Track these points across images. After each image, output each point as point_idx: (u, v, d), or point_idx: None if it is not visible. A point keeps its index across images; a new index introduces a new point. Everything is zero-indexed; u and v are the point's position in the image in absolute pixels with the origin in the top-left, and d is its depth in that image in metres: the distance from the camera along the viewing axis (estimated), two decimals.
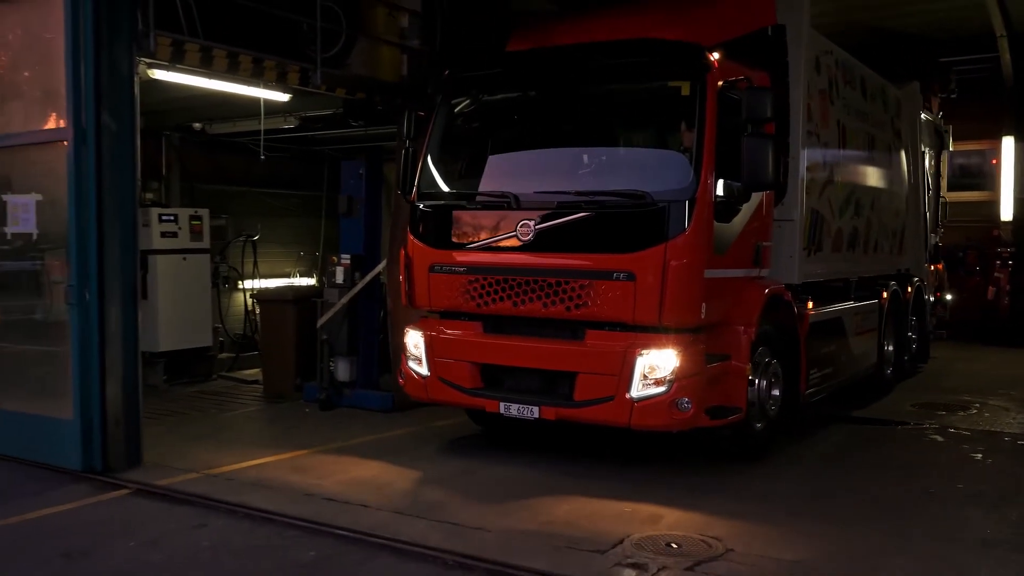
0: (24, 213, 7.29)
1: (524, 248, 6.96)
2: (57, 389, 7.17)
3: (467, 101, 7.89)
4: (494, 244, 7.14)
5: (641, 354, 6.48)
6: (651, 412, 6.47)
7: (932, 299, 13.04)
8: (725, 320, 6.94)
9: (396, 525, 5.56)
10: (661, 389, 6.43)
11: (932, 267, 13.16)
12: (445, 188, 7.63)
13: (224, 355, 11.84)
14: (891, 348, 10.86)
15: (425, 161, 7.68)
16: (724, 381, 6.91)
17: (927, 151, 12.91)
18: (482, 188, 7.50)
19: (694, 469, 7.11)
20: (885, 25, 14.56)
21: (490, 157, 7.84)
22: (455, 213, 7.45)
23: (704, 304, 6.61)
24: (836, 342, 9.00)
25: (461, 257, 7.31)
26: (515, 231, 6.95)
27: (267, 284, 12.70)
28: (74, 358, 6.82)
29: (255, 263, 12.79)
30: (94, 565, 5.03)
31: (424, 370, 7.42)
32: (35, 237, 7.33)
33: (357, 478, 6.75)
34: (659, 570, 4.86)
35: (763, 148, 6.59)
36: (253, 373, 11.15)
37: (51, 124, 7.17)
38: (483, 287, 7.14)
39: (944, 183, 17.69)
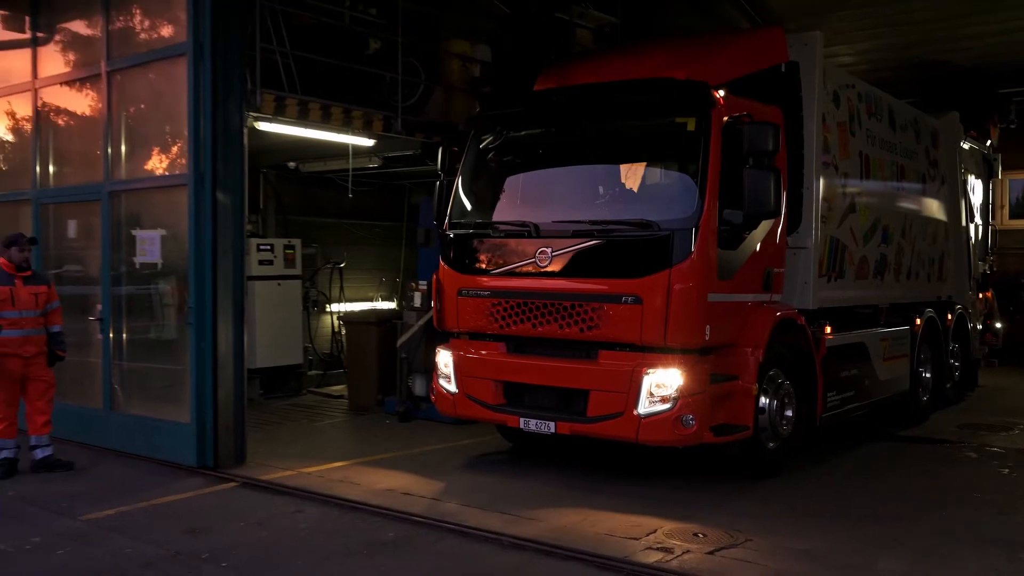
0: (150, 246, 8.49)
1: (542, 273, 7.40)
2: (175, 397, 8.34)
3: (494, 137, 8.24)
4: (516, 270, 7.57)
5: (647, 373, 6.84)
6: (656, 428, 6.83)
7: (980, 327, 13.05)
8: (735, 342, 7.27)
9: (461, 514, 6.48)
10: (666, 406, 6.78)
11: (981, 295, 13.20)
12: (473, 218, 8.07)
13: (313, 372, 12.91)
14: (928, 375, 10.95)
15: (456, 193, 8.15)
16: (731, 400, 7.20)
17: (973, 180, 13.06)
18: (506, 218, 7.91)
19: (722, 480, 7.60)
20: (943, 59, 14.84)
21: (514, 188, 8.26)
22: (481, 241, 7.92)
23: (708, 326, 6.94)
24: (859, 366, 9.15)
25: (486, 282, 7.74)
26: (534, 257, 7.41)
27: (352, 307, 13.58)
28: (191, 370, 7.94)
29: (341, 288, 13.72)
30: (213, 539, 6.07)
31: (453, 387, 7.89)
32: (160, 267, 8.52)
33: (429, 477, 7.67)
34: (683, 553, 5.66)
35: (763, 179, 6.93)
36: (339, 389, 12.20)
37: (173, 170, 8.38)
38: (505, 310, 7.56)
39: (1004, 212, 17.98)
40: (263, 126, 8.94)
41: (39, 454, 8.00)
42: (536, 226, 7.51)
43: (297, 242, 12.27)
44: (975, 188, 13.21)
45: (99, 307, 8.88)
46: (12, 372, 7.82)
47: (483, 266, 7.85)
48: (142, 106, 8.78)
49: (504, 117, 8.35)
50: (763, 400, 7.53)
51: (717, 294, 7.04)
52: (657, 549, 5.73)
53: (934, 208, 11.45)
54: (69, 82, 9.40)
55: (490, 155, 8.28)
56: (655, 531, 6.09)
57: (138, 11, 8.74)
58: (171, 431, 8.18)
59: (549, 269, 7.37)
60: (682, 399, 6.78)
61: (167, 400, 8.55)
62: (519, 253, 7.59)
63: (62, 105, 9.59)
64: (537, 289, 7.44)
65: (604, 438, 7.34)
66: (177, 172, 8.24)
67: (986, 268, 13.70)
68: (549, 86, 8.36)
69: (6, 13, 10.03)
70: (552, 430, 7.30)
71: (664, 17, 12.51)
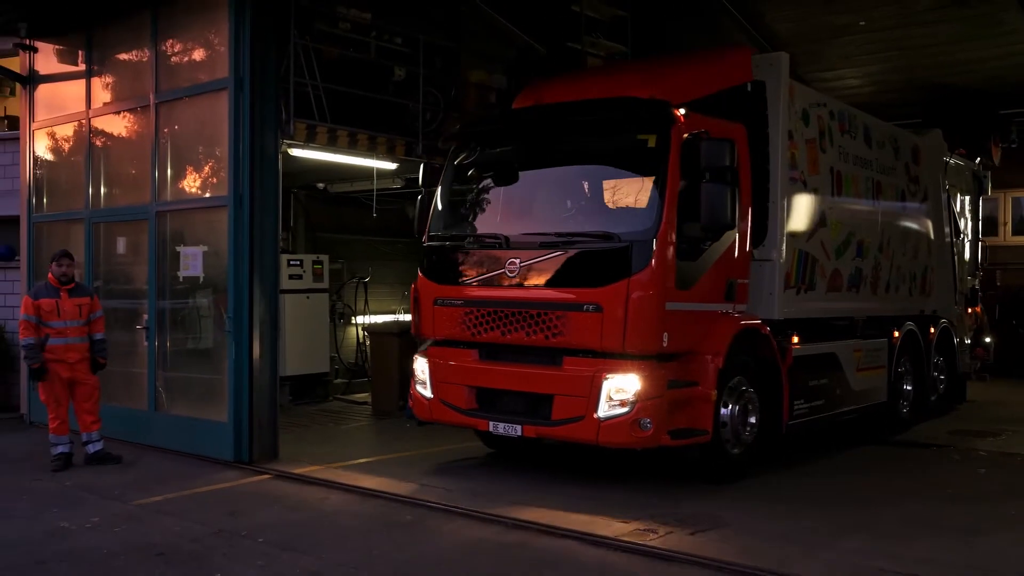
0: (193, 261, 9.32)
1: (511, 283, 7.72)
2: (213, 398, 9.14)
3: (470, 153, 8.59)
4: (487, 280, 7.91)
5: (607, 378, 7.12)
6: (615, 430, 7.12)
7: (969, 341, 13.11)
8: (696, 349, 7.52)
9: (468, 501, 7.22)
10: (624, 410, 7.06)
11: (970, 310, 13.32)
12: (449, 231, 8.39)
13: (339, 380, 13.67)
14: (909, 387, 11.07)
15: (435, 206, 8.52)
16: (691, 405, 7.43)
17: (961, 196, 13.22)
18: (479, 230, 8.27)
19: (703, 480, 7.94)
20: (945, 82, 15.21)
21: (488, 202, 8.55)
22: (456, 253, 8.23)
23: (666, 334, 7.18)
24: (830, 376, 9.27)
25: (460, 291, 8.06)
26: (504, 268, 7.74)
27: (376, 319, 14.29)
28: (229, 374, 8.74)
29: (366, 301, 14.45)
30: (250, 520, 6.84)
31: (428, 393, 8.22)
32: (201, 280, 9.33)
33: (441, 473, 8.41)
34: (667, 534, 6.35)
35: (720, 193, 7.17)
36: (363, 396, 12.94)
37: (215, 192, 9.20)
38: (477, 318, 7.88)
39: (1008, 228, 18.41)
40: (295, 152, 9.75)
41: (91, 449, 8.82)
42: (507, 238, 7.87)
43: (325, 258, 13.03)
44: (963, 204, 13.36)
45: (145, 316, 9.72)
46: (59, 376, 8.64)
47: (457, 276, 8.17)
48: (186, 134, 9.61)
49: (479, 134, 8.71)
50: (725, 407, 7.78)
51: (675, 303, 7.32)
52: (643, 531, 6.41)
53: (915, 223, 11.56)
54: (120, 112, 10.30)
55: (467, 170, 8.63)
56: (640, 518, 6.74)
57: (184, 49, 9.62)
58: (210, 429, 8.97)
59: (517, 279, 7.72)
60: (639, 403, 7.07)
61: (206, 401, 9.35)
62: (490, 264, 7.92)
63: (113, 132, 10.48)
64: (506, 298, 7.78)
65: (567, 440, 7.71)
66: (218, 194, 9.05)
67: (976, 283, 13.77)
68: (526, 104, 8.75)
69: (63, 48, 10.98)
70: (519, 433, 7.62)
71: (672, 46, 13.11)
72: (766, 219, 8.34)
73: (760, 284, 8.33)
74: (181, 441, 9.24)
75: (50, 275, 8.82)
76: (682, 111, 7.47)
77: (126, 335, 10.01)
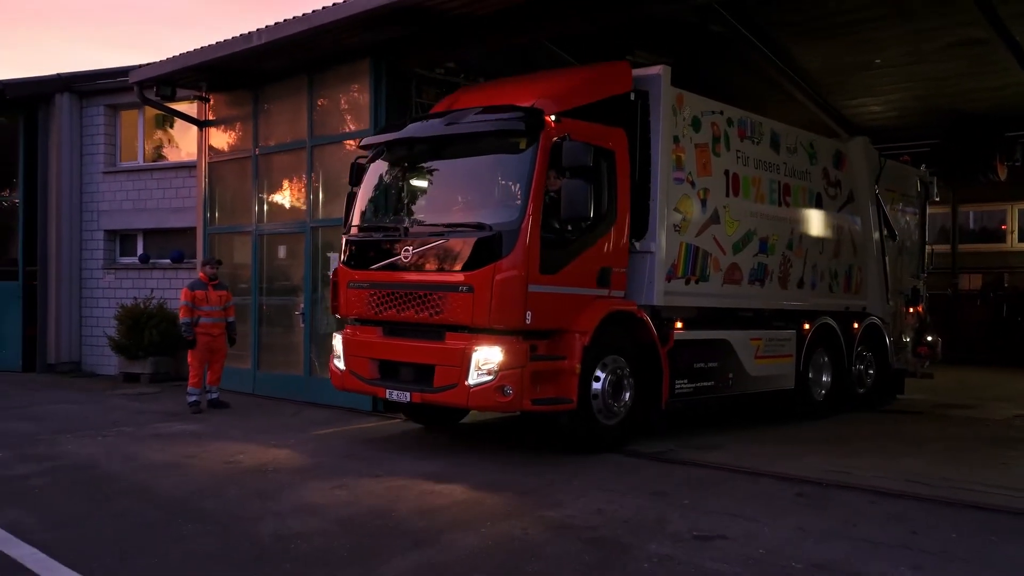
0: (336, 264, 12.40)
1: (405, 268, 8.67)
2: None
3: (379, 153, 9.46)
4: (387, 265, 8.81)
5: (476, 350, 7.98)
6: (481, 396, 8.00)
7: (907, 339, 13.79)
8: (567, 328, 8.32)
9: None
10: (489, 378, 7.93)
11: (911, 309, 14.03)
12: (363, 223, 9.32)
13: None
14: (827, 377, 11.71)
15: (354, 203, 9.51)
16: (559, 377, 8.21)
17: (901, 202, 14.00)
18: (384, 222, 9.20)
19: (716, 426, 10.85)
20: (956, 107, 17.03)
21: (395, 197, 9.46)
22: (366, 242, 9.14)
23: (530, 312, 7.98)
24: (721, 361, 9.92)
25: (366, 275, 9.00)
26: (400, 255, 8.69)
27: None
28: None
29: None
30: (400, 441, 9.86)
31: (342, 365, 9.21)
32: None
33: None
34: (682, 451, 9.17)
35: (579, 189, 7.95)
36: None
37: None
38: (379, 299, 8.80)
39: (1014, 236, 20.51)
40: None
41: (211, 396, 12.18)
42: (406, 228, 8.86)
43: None
44: (904, 209, 14.17)
45: (301, 305, 12.88)
46: (205, 346, 11.95)
47: (365, 263, 9.10)
48: (334, 169, 12.60)
49: (395, 135, 9.36)
50: (597, 381, 8.60)
51: (539, 285, 8.11)
52: (666, 450, 9.21)
53: (834, 224, 11.93)
54: (281, 151, 13.43)
55: (381, 169, 9.53)
56: (664, 441, 9.55)
57: (332, 104, 12.74)
58: None
59: (409, 264, 8.66)
60: (502, 372, 7.93)
61: None
62: (390, 251, 8.85)
63: (275, 166, 13.61)
64: (400, 281, 8.75)
65: (445, 405, 8.79)
66: None
67: (919, 284, 14.39)
68: (440, 109, 9.73)
69: (232, 99, 14.19)
70: (408, 399, 8.62)
71: (705, 83, 15.28)
72: (647, 215, 9.11)
73: (642, 273, 9.11)
74: (329, 397, 12.31)
75: (201, 273, 12.14)
76: (552, 117, 8.23)
77: (285, 320, 13.20)
